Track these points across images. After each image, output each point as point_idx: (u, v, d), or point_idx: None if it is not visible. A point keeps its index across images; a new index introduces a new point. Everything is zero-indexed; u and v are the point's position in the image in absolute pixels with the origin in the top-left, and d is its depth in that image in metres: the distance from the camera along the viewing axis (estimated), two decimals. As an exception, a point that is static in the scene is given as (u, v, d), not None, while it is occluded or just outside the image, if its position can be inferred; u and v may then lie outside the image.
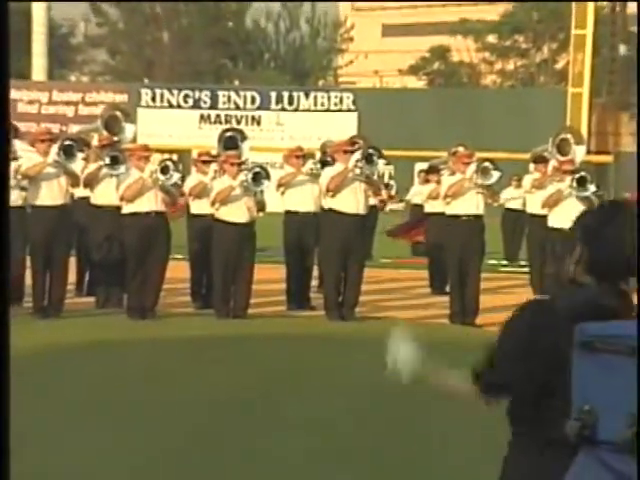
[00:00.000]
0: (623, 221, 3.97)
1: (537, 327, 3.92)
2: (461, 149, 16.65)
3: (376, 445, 8.64)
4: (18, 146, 15.19)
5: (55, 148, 14.57)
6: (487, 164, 15.39)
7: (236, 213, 14.63)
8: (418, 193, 21.26)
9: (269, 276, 15.94)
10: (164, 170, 14.55)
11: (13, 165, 14.70)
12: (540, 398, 3.89)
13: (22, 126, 19.29)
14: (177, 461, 8.08)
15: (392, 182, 27.53)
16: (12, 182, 14.70)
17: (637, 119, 28.02)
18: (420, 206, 19.67)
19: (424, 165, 22.00)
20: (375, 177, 15.90)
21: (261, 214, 15.02)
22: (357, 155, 15.18)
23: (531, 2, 49.79)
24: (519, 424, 4.02)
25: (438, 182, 17.06)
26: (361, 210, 15.08)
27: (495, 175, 15.36)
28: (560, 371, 3.73)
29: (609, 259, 3.88)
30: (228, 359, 12.20)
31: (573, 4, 38.21)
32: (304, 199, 15.60)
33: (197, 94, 38.15)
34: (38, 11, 47.89)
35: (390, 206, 24.04)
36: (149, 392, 10.36)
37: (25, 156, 14.80)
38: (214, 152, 16.45)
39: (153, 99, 38.12)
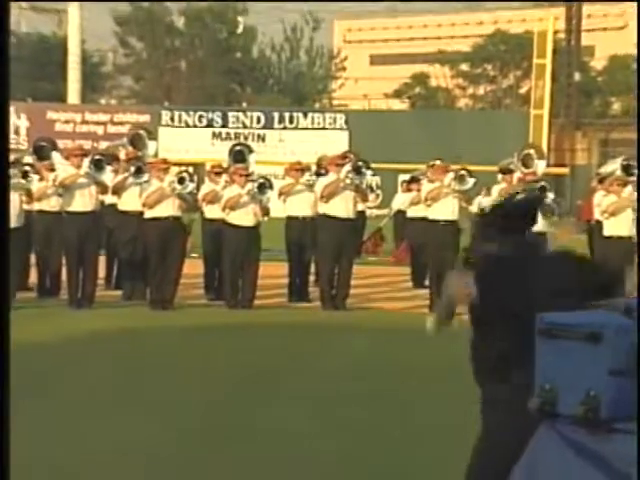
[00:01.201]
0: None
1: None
2: (438, 162, 16.66)
3: (368, 419, 8.64)
4: (56, 159, 15.20)
5: (87, 162, 14.58)
6: (464, 172, 15.47)
7: (244, 218, 14.64)
8: (401, 200, 21.23)
9: (272, 272, 15.92)
10: (181, 180, 14.59)
11: (51, 176, 14.74)
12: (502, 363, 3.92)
13: (59, 143, 19.24)
14: (189, 435, 8.08)
15: (379, 191, 27.52)
16: (50, 190, 14.72)
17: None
18: (403, 212, 19.65)
19: (406, 176, 21.94)
20: (364, 186, 15.91)
21: (265, 218, 15.01)
22: (348, 167, 15.23)
23: (498, 36, 49.92)
24: (490, 391, 3.99)
25: (418, 191, 17.08)
26: (351, 215, 15.12)
27: (470, 182, 15.45)
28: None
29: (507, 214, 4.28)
30: (237, 343, 12.21)
31: (534, 37, 38.28)
32: (302, 206, 15.60)
33: (210, 115, 38.14)
34: (73, 43, 47.82)
35: (376, 212, 24.08)
36: (168, 372, 10.36)
37: (61, 168, 14.82)
38: (225, 165, 16.41)
39: (172, 119, 38.10)
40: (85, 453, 7.44)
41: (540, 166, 18.15)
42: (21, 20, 62.07)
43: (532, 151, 19.28)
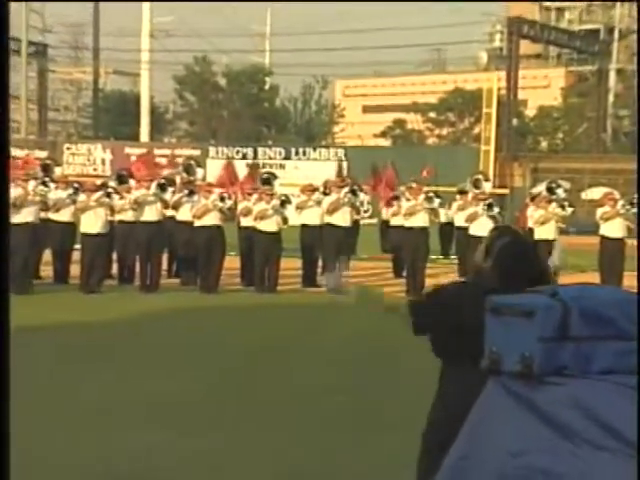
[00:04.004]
0: (527, 259, 3.86)
1: (454, 296, 3.88)
2: (414, 185, 16.66)
3: (362, 372, 8.62)
4: (132, 183, 15.22)
5: (154, 185, 14.61)
6: (431, 194, 15.52)
7: (269, 225, 14.65)
8: (385, 213, 21.15)
9: (290, 266, 15.93)
10: (222, 199, 14.62)
11: (128, 196, 14.73)
12: (455, 342, 3.80)
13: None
14: (230, 378, 8.08)
15: (369, 206, 27.52)
16: (127, 206, 14.72)
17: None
18: (386, 221, 19.60)
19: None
20: (358, 203, 15.95)
21: (285, 226, 15.03)
22: (346, 189, 15.29)
23: (457, 92, 49.88)
24: (448, 361, 3.92)
25: (399, 206, 17.07)
26: (348, 224, 15.18)
27: (437, 201, 15.47)
28: (464, 324, 3.67)
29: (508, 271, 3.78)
30: (264, 317, 12.23)
31: (484, 93, 38.28)
32: (313, 217, 15.61)
33: (245, 150, 38.19)
34: (144, 98, 47.97)
35: (368, 221, 24.02)
36: (214, 337, 10.38)
37: (135, 190, 14.86)
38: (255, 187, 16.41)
39: (217, 153, 38.15)
40: (151, 394, 7.45)
41: (487, 186, 18.20)
42: (107, 81, 62.19)
43: (480, 176, 19.37)
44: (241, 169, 37.31)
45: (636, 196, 15.19)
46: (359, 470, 5.76)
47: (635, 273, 13.25)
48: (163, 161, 38.47)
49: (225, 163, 21.42)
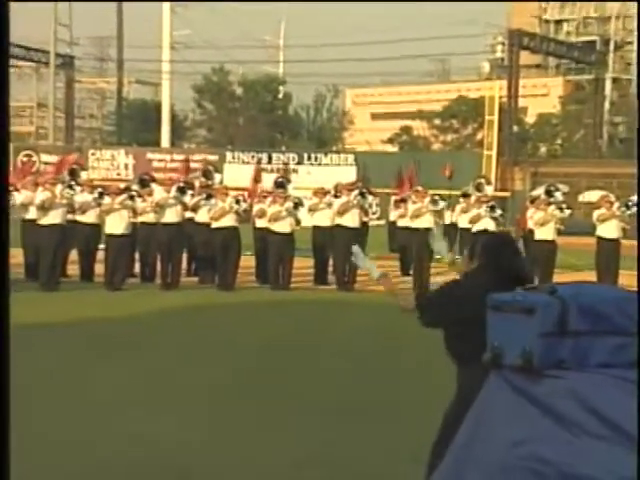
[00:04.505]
0: (507, 249, 3.99)
1: (454, 293, 3.99)
2: (420, 188, 16.63)
3: (367, 362, 8.60)
4: (155, 188, 15.25)
5: (174, 189, 14.62)
6: (437, 197, 15.52)
7: (283, 227, 14.65)
8: (393, 214, 21.12)
9: (303, 265, 15.92)
10: (238, 202, 14.63)
11: (150, 199, 14.76)
12: (463, 336, 3.80)
13: (155, 175, 19.22)
14: (245, 373, 8.07)
15: (377, 208, 27.46)
16: (149, 208, 14.74)
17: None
18: (394, 222, 19.56)
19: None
20: (367, 205, 15.95)
21: (298, 227, 15.03)
22: (355, 192, 15.27)
23: (461, 100, 49.77)
24: (456, 355, 3.93)
25: (405, 208, 17.06)
26: (357, 225, 15.16)
27: (441, 204, 15.45)
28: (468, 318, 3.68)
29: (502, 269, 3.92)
30: (278, 313, 12.23)
31: (486, 100, 38.19)
32: (324, 218, 15.59)
33: (260, 155, 38.18)
34: (165, 106, 48.02)
35: (376, 223, 23.95)
36: (231, 331, 10.39)
37: (157, 193, 14.88)
38: (270, 190, 16.42)
39: (233, 158, 38.15)
40: (171, 385, 7.46)
41: (489, 189, 18.20)
42: (130, 90, 62.36)
43: (483, 180, 19.34)
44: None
45: (631, 198, 15.14)
46: (372, 458, 5.74)
47: (631, 272, 13.19)
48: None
49: (255, 167, 22.17)
